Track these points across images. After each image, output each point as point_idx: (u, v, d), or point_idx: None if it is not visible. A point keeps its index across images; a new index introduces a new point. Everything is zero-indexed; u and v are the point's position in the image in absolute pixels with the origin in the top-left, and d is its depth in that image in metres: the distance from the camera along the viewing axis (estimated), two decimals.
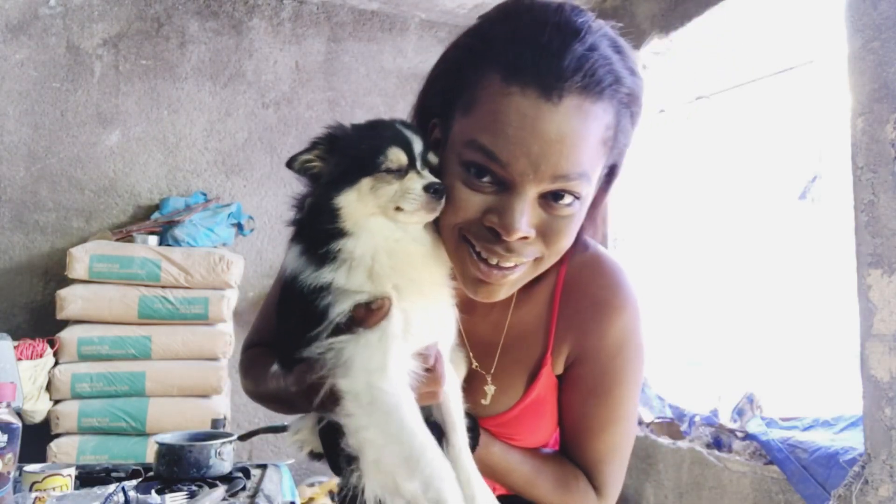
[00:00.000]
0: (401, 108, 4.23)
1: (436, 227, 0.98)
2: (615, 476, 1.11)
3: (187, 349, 3.33)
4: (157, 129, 3.91)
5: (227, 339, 3.40)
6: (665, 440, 3.42)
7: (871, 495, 2.33)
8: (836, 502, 2.42)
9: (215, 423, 3.02)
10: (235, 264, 3.44)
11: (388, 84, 4.33)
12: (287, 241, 0.99)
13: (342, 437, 0.90)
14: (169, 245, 3.48)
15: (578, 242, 1.04)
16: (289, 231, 1.00)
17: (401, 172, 0.93)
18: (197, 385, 3.33)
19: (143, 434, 3.21)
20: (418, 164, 0.94)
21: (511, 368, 1.11)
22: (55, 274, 3.59)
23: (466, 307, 1.04)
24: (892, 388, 2.27)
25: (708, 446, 3.16)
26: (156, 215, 3.66)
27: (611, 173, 1.00)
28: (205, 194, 3.89)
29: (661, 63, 3.85)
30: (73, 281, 3.28)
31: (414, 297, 0.93)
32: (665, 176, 3.91)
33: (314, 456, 1.05)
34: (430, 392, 0.93)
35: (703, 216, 3.79)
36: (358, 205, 0.91)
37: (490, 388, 1.10)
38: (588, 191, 0.93)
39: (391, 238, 0.93)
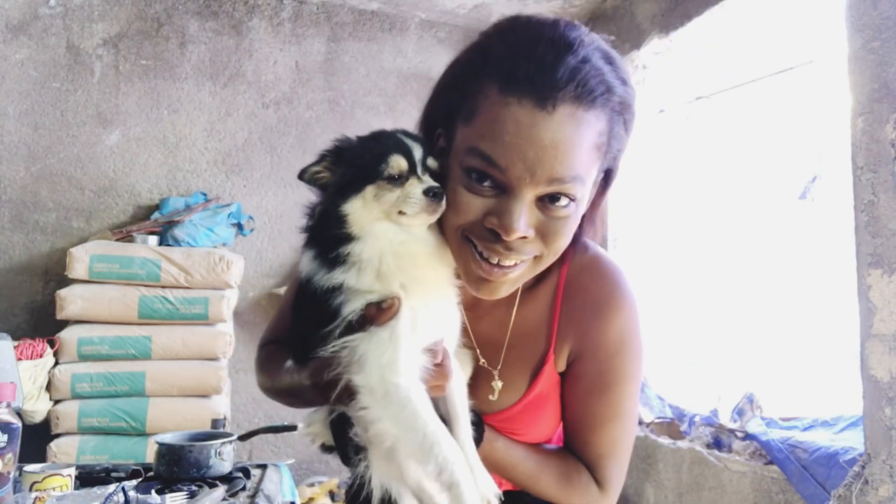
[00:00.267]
0: (401, 107, 4.23)
1: (440, 228, 1.04)
2: (617, 471, 1.15)
3: (187, 349, 3.33)
4: (157, 129, 3.91)
5: (227, 339, 3.40)
6: (665, 440, 3.42)
7: (871, 495, 2.33)
8: (836, 502, 2.42)
9: (215, 423, 3.01)
10: (235, 264, 3.44)
11: (388, 84, 4.32)
12: (301, 247, 1.07)
13: (351, 428, 0.99)
14: (169, 245, 3.48)
15: (578, 244, 1.12)
16: (294, 233, 1.06)
17: (402, 178, 0.98)
18: (197, 385, 3.33)
19: (143, 434, 3.21)
20: (419, 169, 1.00)
21: (515, 365, 1.15)
22: (55, 274, 3.59)
23: (472, 306, 1.12)
24: (892, 388, 2.27)
25: (708, 446, 3.16)
26: (156, 215, 3.66)
27: (607, 177, 1.06)
28: (205, 194, 3.89)
29: (660, 63, 3.85)
30: (73, 281, 3.28)
31: (420, 295, 0.99)
32: (665, 176, 3.91)
33: (326, 448, 1.11)
34: (437, 385, 0.99)
35: (703, 216, 3.79)
36: (363, 211, 0.97)
37: (497, 384, 1.15)
38: (583, 193, 0.98)
39: (396, 240, 0.99)
